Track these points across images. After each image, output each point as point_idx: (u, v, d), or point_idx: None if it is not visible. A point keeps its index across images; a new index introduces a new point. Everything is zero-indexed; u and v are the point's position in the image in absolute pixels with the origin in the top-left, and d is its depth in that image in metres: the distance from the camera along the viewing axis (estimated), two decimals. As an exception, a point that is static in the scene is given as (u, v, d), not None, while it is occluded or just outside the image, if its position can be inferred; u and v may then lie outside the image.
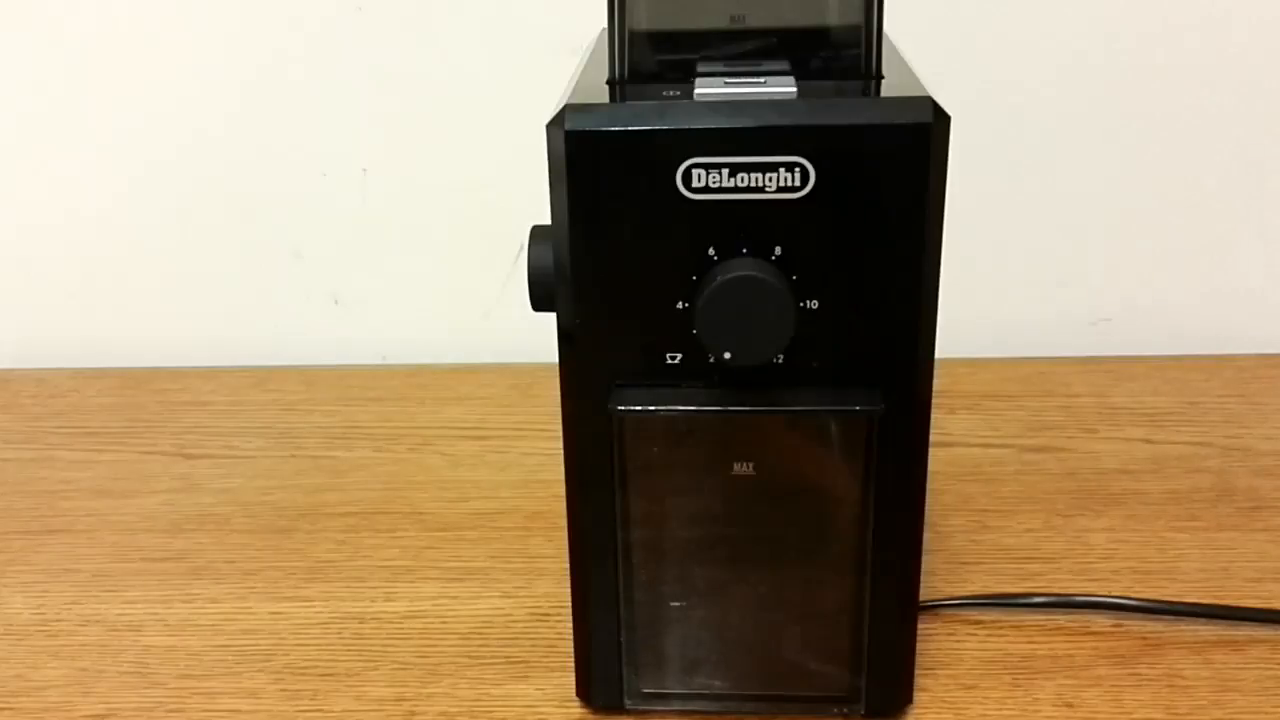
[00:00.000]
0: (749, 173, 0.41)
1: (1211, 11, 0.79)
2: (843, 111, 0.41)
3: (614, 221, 0.42)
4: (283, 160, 0.85)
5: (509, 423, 0.77)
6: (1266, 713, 0.51)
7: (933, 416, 0.45)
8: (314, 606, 0.59)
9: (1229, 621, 0.56)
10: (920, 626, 0.50)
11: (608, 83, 0.45)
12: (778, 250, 0.42)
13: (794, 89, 0.42)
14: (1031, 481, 0.69)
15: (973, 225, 0.82)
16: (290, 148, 0.84)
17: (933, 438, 0.46)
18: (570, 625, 0.50)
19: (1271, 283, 0.85)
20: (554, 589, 0.59)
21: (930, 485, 0.47)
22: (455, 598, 0.60)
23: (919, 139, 0.41)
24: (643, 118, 0.41)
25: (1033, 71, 0.81)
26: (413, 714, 0.52)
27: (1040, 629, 0.56)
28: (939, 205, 0.42)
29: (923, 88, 0.42)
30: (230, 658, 0.56)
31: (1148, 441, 0.73)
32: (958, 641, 0.55)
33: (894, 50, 0.49)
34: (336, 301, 0.88)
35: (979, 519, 0.65)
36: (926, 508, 0.47)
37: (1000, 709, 0.51)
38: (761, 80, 0.43)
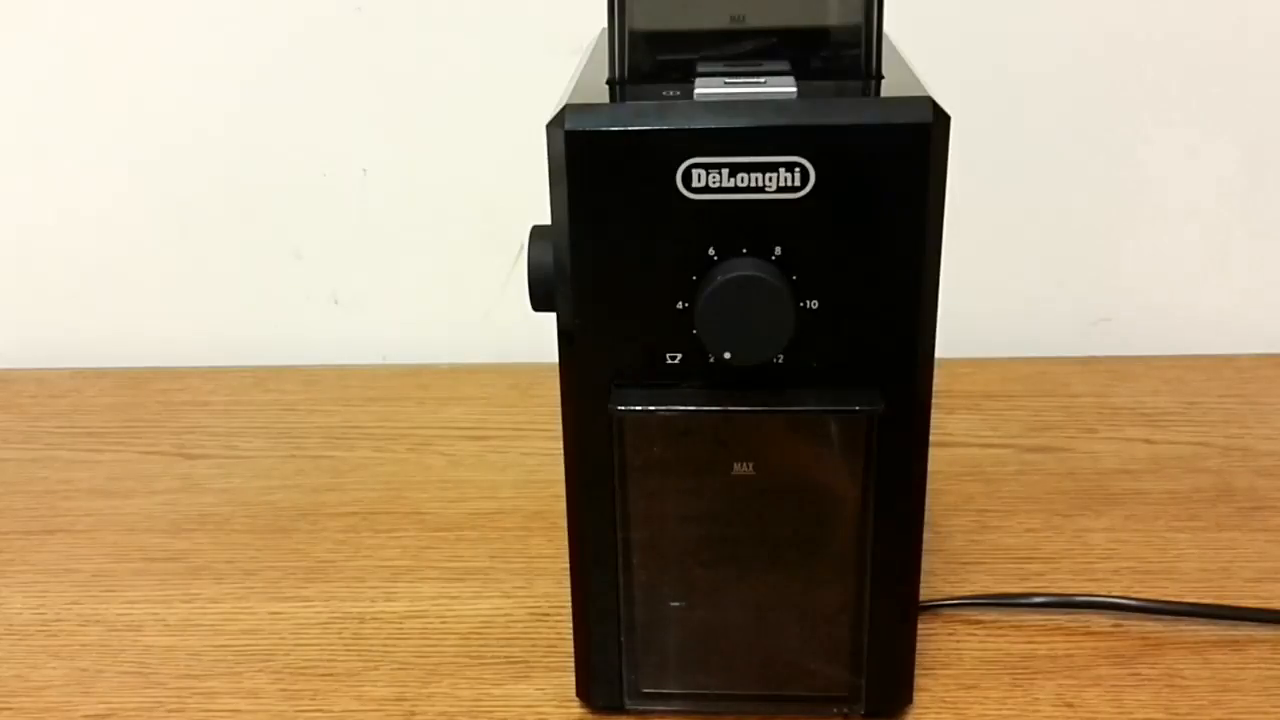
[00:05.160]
0: (749, 173, 0.41)
1: (1212, 12, 0.79)
2: (843, 111, 0.41)
3: (614, 221, 0.42)
4: (283, 160, 0.85)
5: (509, 423, 0.77)
6: (1266, 713, 0.51)
7: (933, 416, 0.45)
8: (314, 606, 0.59)
9: (1229, 621, 0.56)
10: (920, 626, 0.50)
11: (608, 83, 0.44)
12: (778, 250, 0.42)
13: (794, 89, 0.42)
14: (1031, 481, 0.69)
15: (973, 225, 0.82)
16: (290, 148, 0.84)
17: (933, 438, 0.46)
18: (570, 625, 0.50)
19: (1271, 283, 0.85)
20: (554, 589, 0.59)
21: (930, 485, 0.47)
22: (455, 598, 0.60)
23: (919, 139, 0.41)
24: (643, 118, 0.41)
25: (1033, 71, 0.81)
26: (413, 714, 0.52)
27: (1040, 629, 0.56)
28: (939, 205, 0.42)
29: (923, 88, 0.42)
30: (230, 658, 0.56)
31: (1148, 441, 0.73)
32: (958, 641, 0.55)
33: (894, 50, 0.49)
34: (336, 301, 0.88)
35: (979, 519, 0.65)
36: (926, 508, 0.47)
37: (1000, 709, 0.51)
38: (761, 80, 0.43)
